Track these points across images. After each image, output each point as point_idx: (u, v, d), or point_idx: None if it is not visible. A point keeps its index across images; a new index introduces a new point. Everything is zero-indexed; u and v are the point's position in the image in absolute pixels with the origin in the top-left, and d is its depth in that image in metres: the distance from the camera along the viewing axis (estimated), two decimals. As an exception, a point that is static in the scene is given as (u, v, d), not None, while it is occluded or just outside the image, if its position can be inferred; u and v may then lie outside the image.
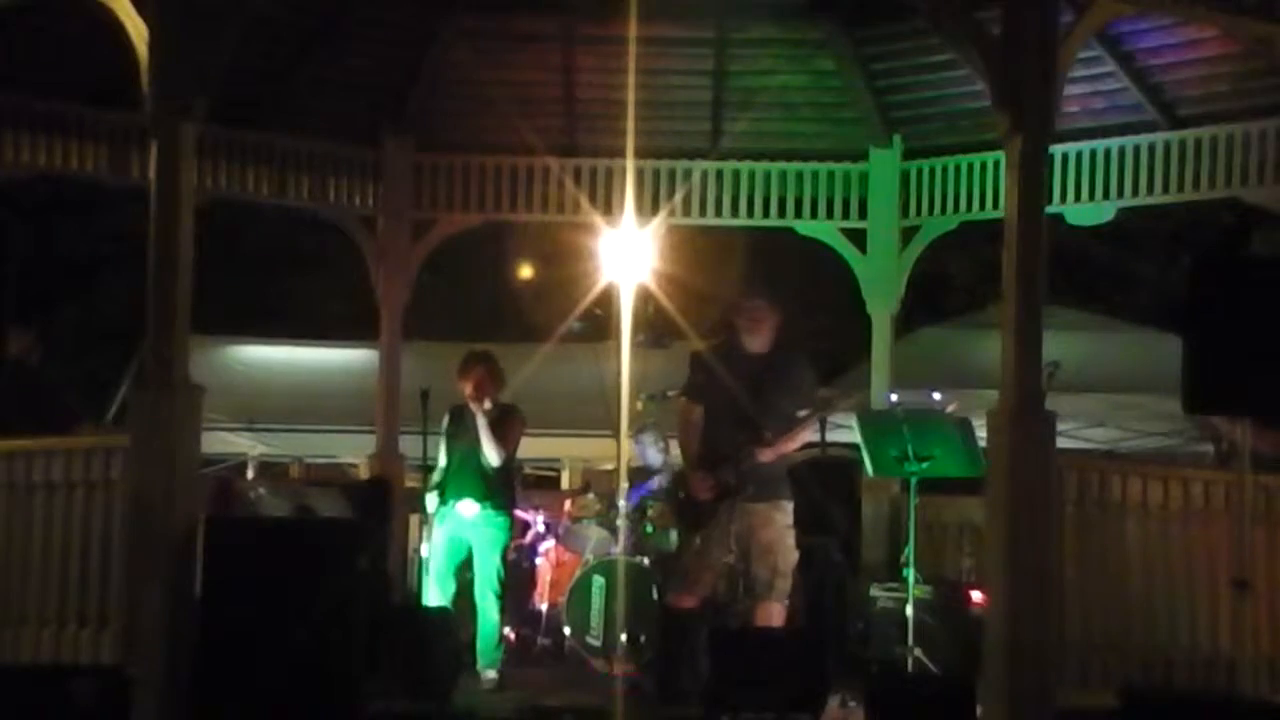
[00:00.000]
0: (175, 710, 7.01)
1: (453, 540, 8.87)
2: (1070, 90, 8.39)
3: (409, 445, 9.87)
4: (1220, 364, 6.63)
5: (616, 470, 9.11)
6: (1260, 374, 6.61)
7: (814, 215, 10.62)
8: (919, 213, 10.47)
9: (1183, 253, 16.88)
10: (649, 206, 10.23)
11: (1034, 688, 7.19)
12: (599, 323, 12.17)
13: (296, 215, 13.15)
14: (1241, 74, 9.15)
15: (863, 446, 8.47)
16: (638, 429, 10.12)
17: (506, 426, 8.87)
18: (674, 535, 8.91)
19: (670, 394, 9.63)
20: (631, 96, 8.83)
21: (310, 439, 15.41)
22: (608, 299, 9.33)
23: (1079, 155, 9.75)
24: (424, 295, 11.09)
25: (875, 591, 9.09)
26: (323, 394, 14.75)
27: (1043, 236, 7.43)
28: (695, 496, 7.97)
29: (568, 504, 10.32)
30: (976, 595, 8.39)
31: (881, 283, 10.53)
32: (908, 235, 10.54)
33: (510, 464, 9.10)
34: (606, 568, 9.34)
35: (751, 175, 10.62)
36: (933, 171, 10.40)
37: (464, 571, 8.96)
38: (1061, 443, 7.97)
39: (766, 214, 10.68)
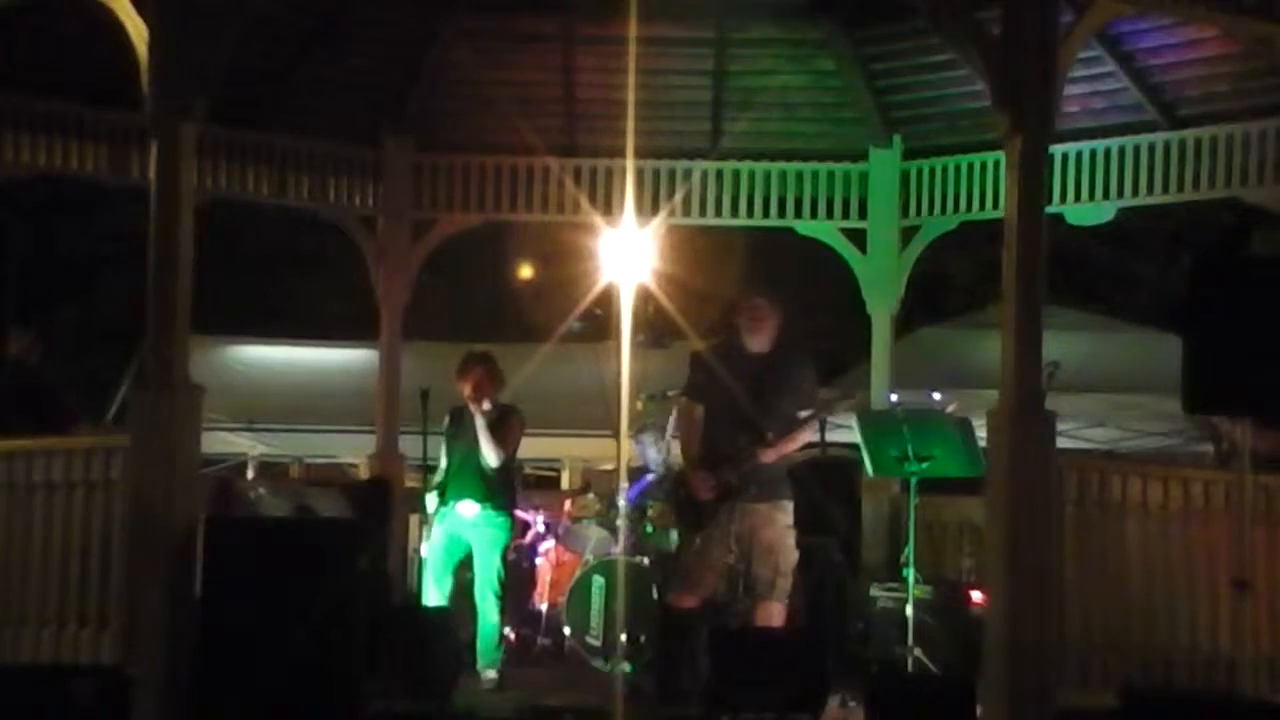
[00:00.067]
0: (175, 710, 7.01)
1: (451, 540, 8.87)
2: (1070, 90, 8.39)
3: (409, 445, 9.87)
4: (1220, 364, 6.63)
5: (616, 470, 9.11)
6: (1260, 374, 6.61)
7: (814, 215, 10.62)
8: (919, 213, 10.47)
9: (1183, 253, 16.88)
10: (649, 206, 10.22)
11: (1034, 688, 7.19)
12: (599, 323, 12.16)
13: (296, 215, 13.14)
14: (1241, 74, 9.15)
15: (863, 446, 8.48)
16: (638, 429, 10.12)
17: (506, 427, 8.87)
18: (674, 535, 8.90)
19: (670, 394, 9.63)
20: (631, 96, 8.83)
21: (310, 439, 15.42)
22: (608, 299, 9.32)
23: (1079, 155, 9.75)
24: (424, 295, 11.09)
25: (875, 591, 9.09)
26: (323, 394, 14.76)
27: (1043, 236, 7.42)
28: (697, 496, 7.97)
29: (568, 504, 10.31)
30: (976, 595, 8.39)
31: (881, 283, 10.53)
32: (908, 235, 10.54)
33: (510, 464, 9.10)
34: (606, 568, 9.33)
35: (751, 175, 10.62)
36: (933, 171, 10.40)
37: (463, 571, 8.96)
38: (1061, 443, 7.97)
39: (766, 214, 10.68)
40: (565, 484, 15.70)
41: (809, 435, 8.34)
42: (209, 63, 7.37)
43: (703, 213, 10.70)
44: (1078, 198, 9.81)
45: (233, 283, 19.06)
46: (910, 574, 8.23)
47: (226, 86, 7.82)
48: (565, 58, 10.40)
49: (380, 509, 9.32)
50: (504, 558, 8.93)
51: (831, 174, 10.60)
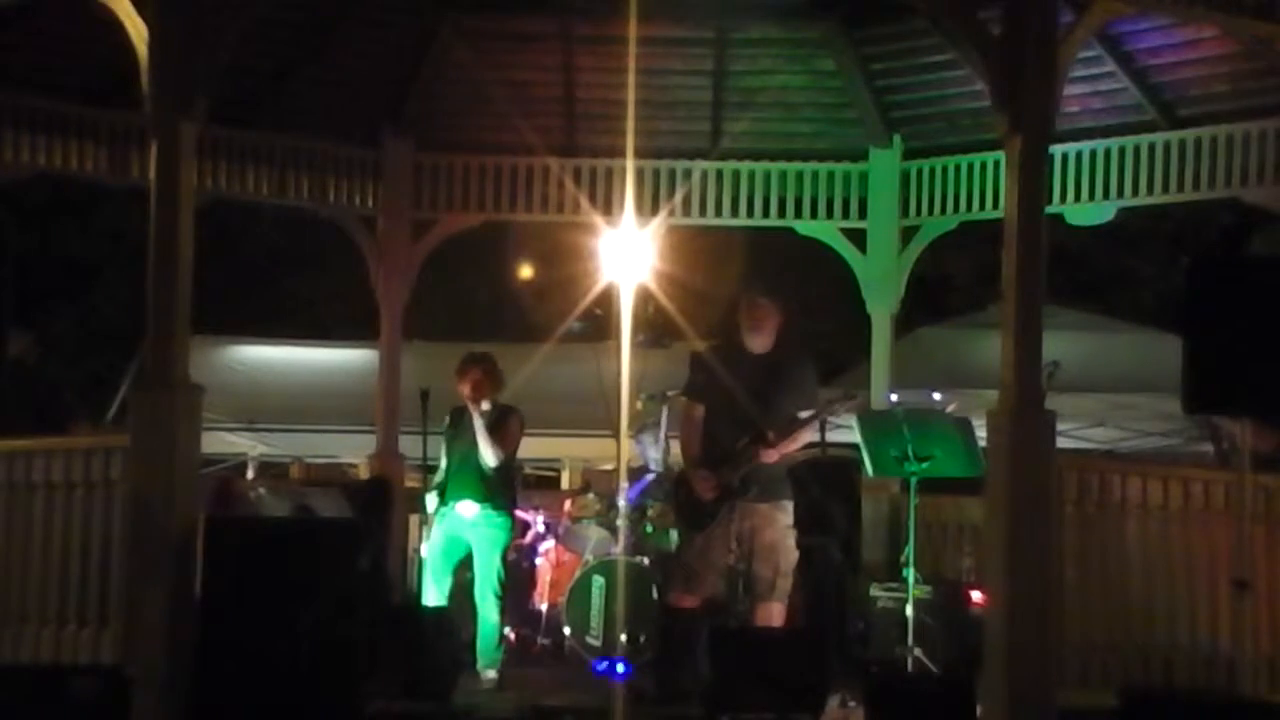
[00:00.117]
0: (175, 710, 7.01)
1: (450, 540, 8.87)
2: (1070, 90, 8.38)
3: (409, 445, 9.87)
4: (1220, 364, 6.63)
5: (616, 470, 9.10)
6: (1260, 374, 6.61)
7: (814, 215, 10.63)
8: (919, 213, 10.47)
9: (1183, 253, 16.87)
10: (649, 206, 10.22)
11: (1034, 688, 7.18)
12: (599, 323, 12.15)
13: (296, 215, 13.14)
14: (1241, 74, 9.15)
15: (863, 446, 8.48)
16: (638, 429, 10.12)
17: (504, 427, 8.87)
18: (674, 535, 8.90)
19: (670, 394, 9.63)
20: (631, 96, 8.81)
21: (310, 439, 15.41)
22: (608, 299, 9.30)
23: (1079, 155, 9.75)
24: (424, 295, 11.09)
25: (875, 591, 9.09)
26: (323, 394, 14.75)
27: (1043, 236, 7.42)
28: (698, 496, 7.97)
29: (568, 504, 10.31)
30: (976, 595, 8.38)
31: (881, 283, 10.53)
32: (908, 235, 10.55)
33: (510, 464, 9.09)
34: (606, 568, 9.33)
35: (751, 175, 10.62)
36: (933, 171, 10.40)
37: (463, 571, 8.96)
38: (1061, 443, 7.98)
39: (766, 214, 10.69)
40: (565, 484, 15.69)
41: (810, 435, 8.34)
42: (209, 63, 7.36)
43: (703, 213, 10.70)
44: (1078, 198, 9.81)
45: (233, 283, 19.06)
46: (910, 574, 8.23)
47: (226, 86, 7.82)
48: (565, 57, 10.40)
49: (380, 509, 9.32)
50: (504, 558, 8.93)
51: (831, 174, 10.60)
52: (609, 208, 10.30)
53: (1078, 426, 13.25)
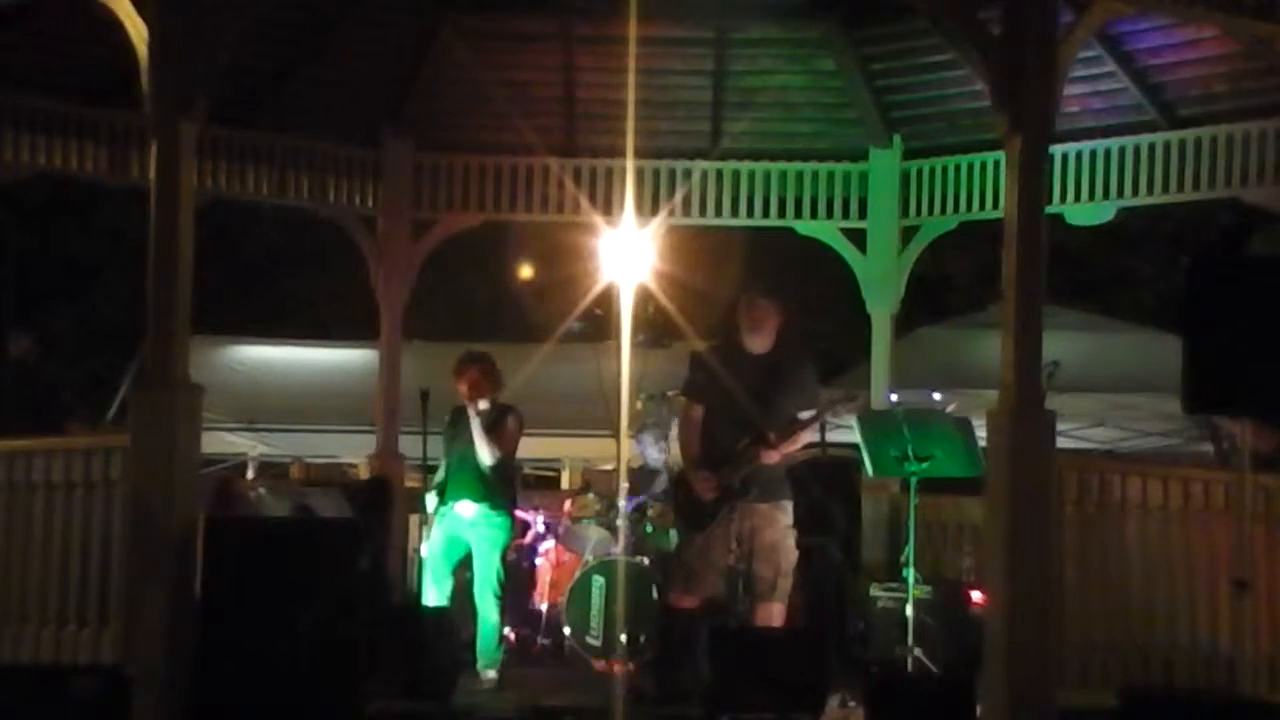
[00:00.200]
0: (175, 710, 7.01)
1: (450, 540, 8.87)
2: (1070, 90, 8.38)
3: (409, 445, 9.87)
4: (1220, 364, 6.63)
5: (616, 470, 9.10)
6: (1260, 374, 6.60)
7: (814, 215, 10.62)
8: (919, 213, 10.47)
9: (1183, 253, 16.88)
10: (649, 206, 10.21)
11: (1034, 688, 7.18)
12: (599, 323, 12.16)
13: (296, 215, 13.15)
14: (1241, 74, 9.15)
15: (863, 446, 8.47)
16: (638, 429, 10.12)
17: (502, 426, 8.86)
18: (674, 535, 8.90)
19: (670, 394, 9.63)
20: (631, 96, 8.81)
21: (310, 439, 15.41)
22: (608, 299, 9.31)
23: (1079, 155, 9.75)
24: (424, 295, 11.09)
25: (875, 591, 9.09)
26: (323, 394, 14.75)
27: (1043, 236, 7.42)
28: (699, 496, 7.97)
29: (568, 504, 10.31)
30: (976, 595, 8.38)
31: (881, 283, 10.53)
32: (908, 235, 10.54)
33: (510, 464, 9.09)
34: (606, 568, 9.34)
35: (751, 175, 10.62)
36: (933, 171, 10.40)
37: (463, 571, 8.95)
38: (1061, 443, 7.98)
39: (766, 214, 10.69)
40: (565, 484, 15.70)
41: (810, 436, 8.35)
42: (209, 63, 7.36)
43: (703, 213, 10.70)
44: (1078, 198, 9.81)
45: (233, 283, 19.07)
46: (910, 574, 8.23)
47: (226, 86, 7.82)
48: (565, 57, 10.40)
49: (380, 509, 9.32)
50: (504, 558, 8.93)
51: (831, 174, 10.60)
52: (609, 208, 10.29)
53: (1078, 426, 13.25)
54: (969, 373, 12.73)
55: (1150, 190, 9.61)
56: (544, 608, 9.83)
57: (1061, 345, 9.62)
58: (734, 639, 7.77)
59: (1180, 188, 9.51)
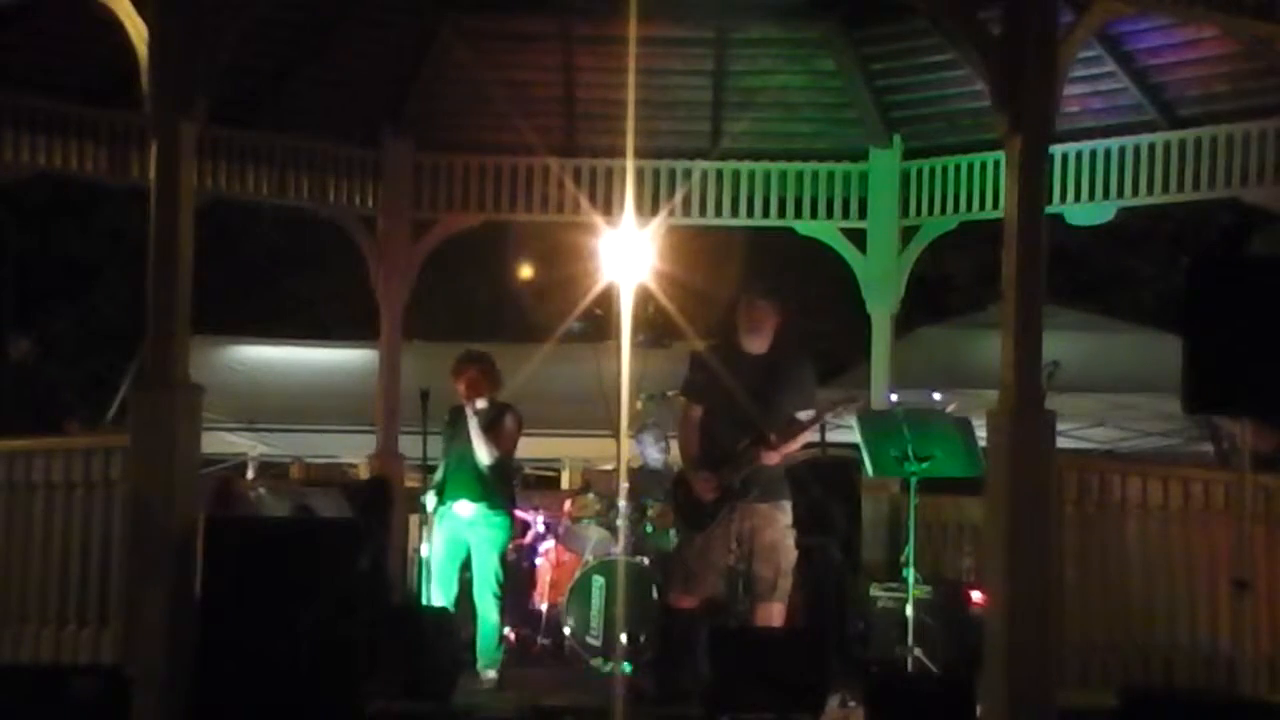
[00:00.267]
0: (175, 710, 7.01)
1: (452, 541, 8.87)
2: (1070, 90, 8.38)
3: (409, 445, 9.87)
4: (1220, 364, 6.63)
5: (616, 470, 9.11)
6: (1260, 374, 6.60)
7: (814, 215, 10.62)
8: (919, 213, 10.47)
9: (1183, 253, 16.88)
10: (649, 206, 10.21)
11: (1034, 688, 7.18)
12: (599, 323, 12.16)
13: (296, 215, 13.14)
14: (1241, 74, 9.15)
15: (863, 446, 8.47)
16: (638, 429, 10.12)
17: (500, 425, 8.86)
18: (674, 535, 8.90)
19: (670, 394, 9.62)
20: (631, 96, 8.81)
21: (310, 439, 15.42)
22: (608, 299, 9.31)
23: (1079, 155, 9.75)
24: (424, 295, 11.09)
25: (875, 591, 9.09)
26: (323, 394, 14.75)
27: (1043, 236, 7.42)
28: (699, 497, 7.97)
29: (568, 504, 10.31)
30: (976, 595, 8.38)
31: (881, 283, 10.53)
32: (908, 235, 10.54)
33: (508, 463, 9.09)
34: (606, 568, 9.34)
35: (751, 175, 10.62)
36: (933, 171, 10.40)
37: (463, 571, 8.95)
38: (1061, 443, 7.98)
39: (766, 214, 10.69)
40: (565, 484, 15.70)
41: (810, 435, 8.34)
42: (209, 63, 7.36)
43: (703, 213, 10.70)
44: (1078, 198, 9.80)
45: (233, 283, 19.08)
46: (910, 574, 8.23)
47: (226, 86, 7.82)
48: (565, 57, 10.40)
49: (380, 509, 9.32)
50: (503, 557, 8.93)
51: (831, 174, 10.60)
52: (609, 208, 10.29)
53: (1078, 426, 13.25)
54: (969, 373, 12.74)
55: (1150, 190, 9.61)
56: (544, 608, 9.83)
57: (1061, 345, 9.62)
58: (734, 639, 7.77)
59: (1180, 188, 9.51)
